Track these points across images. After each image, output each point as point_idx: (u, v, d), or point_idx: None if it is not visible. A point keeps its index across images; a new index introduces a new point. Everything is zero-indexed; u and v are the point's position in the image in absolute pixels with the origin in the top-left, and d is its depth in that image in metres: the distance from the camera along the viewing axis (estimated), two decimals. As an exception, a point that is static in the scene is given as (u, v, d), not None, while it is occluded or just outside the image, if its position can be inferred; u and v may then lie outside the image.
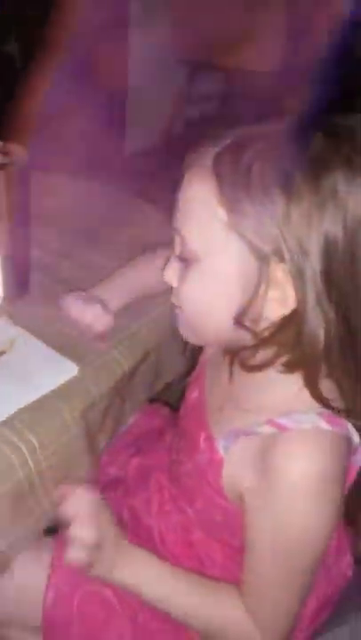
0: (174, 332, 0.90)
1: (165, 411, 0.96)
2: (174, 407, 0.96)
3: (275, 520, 0.59)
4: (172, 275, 0.63)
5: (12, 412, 0.67)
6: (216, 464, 0.65)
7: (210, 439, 0.66)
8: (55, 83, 2.51)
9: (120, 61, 2.62)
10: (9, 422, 0.66)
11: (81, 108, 2.62)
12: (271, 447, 0.58)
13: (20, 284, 0.86)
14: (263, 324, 0.57)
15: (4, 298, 0.85)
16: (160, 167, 2.70)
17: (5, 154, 0.77)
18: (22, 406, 0.68)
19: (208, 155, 0.57)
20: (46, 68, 2.49)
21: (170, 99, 2.85)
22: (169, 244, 0.79)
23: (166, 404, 0.99)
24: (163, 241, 1.00)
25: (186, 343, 0.92)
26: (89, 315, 0.78)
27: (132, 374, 0.82)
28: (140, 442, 0.88)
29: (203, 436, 0.67)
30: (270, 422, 0.59)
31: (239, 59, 2.57)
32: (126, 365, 0.80)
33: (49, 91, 2.54)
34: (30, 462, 0.65)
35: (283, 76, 2.47)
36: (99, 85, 2.61)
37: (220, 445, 0.64)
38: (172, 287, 0.64)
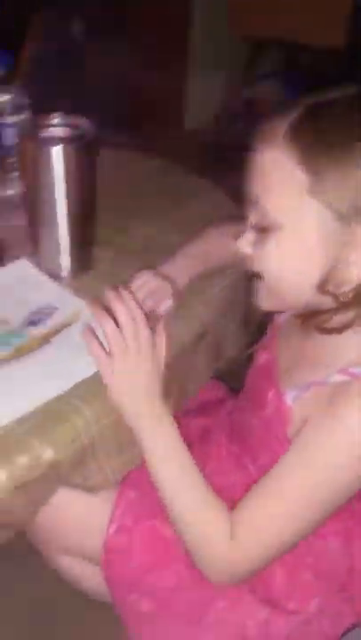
0: (232, 309, 0.91)
1: (223, 385, 0.97)
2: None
3: (319, 452, 0.60)
4: (247, 245, 0.64)
5: (78, 381, 0.69)
6: (284, 414, 0.67)
7: (279, 394, 0.68)
8: (115, 56, 2.51)
9: (179, 36, 2.59)
10: (74, 390, 0.69)
11: (140, 81, 2.61)
12: (339, 393, 0.60)
13: (85, 258, 0.88)
14: (345, 287, 0.58)
15: (70, 272, 0.86)
16: (218, 143, 2.68)
17: (74, 127, 0.78)
18: (87, 377, 0.69)
19: (282, 123, 0.58)
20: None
21: (230, 74, 2.81)
22: (230, 219, 0.79)
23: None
24: (222, 217, 1.01)
25: (246, 320, 0.93)
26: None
27: (192, 351, 0.82)
28: (200, 408, 0.89)
29: (272, 391, 0.69)
30: (343, 371, 0.61)
31: (302, 34, 2.49)
32: (186, 340, 0.81)
33: (108, 64, 2.54)
34: (94, 429, 0.67)
35: (348, 50, 2.40)
36: (158, 60, 2.60)
37: (289, 397, 0.66)
38: (243, 259, 0.65)
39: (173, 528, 0.68)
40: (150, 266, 0.85)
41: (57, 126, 0.79)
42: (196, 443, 0.83)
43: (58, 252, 0.85)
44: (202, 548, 0.66)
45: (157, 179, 1.21)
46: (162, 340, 0.70)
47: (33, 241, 0.87)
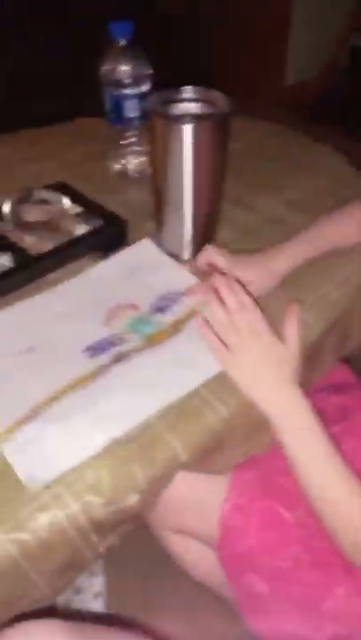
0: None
1: (349, 369, 0.93)
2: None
3: None
4: None
5: (213, 374, 0.66)
6: None
7: None
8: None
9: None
10: (207, 384, 0.67)
11: (239, 33, 2.49)
12: None
13: (208, 240, 0.84)
14: None
15: (192, 254, 0.83)
16: (321, 100, 2.53)
17: (208, 103, 0.73)
18: (221, 370, 0.67)
19: None
20: None
21: (336, 25, 2.61)
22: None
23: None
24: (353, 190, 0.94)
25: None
26: None
27: (322, 338, 0.78)
28: (334, 388, 0.86)
29: None
30: None
31: None
32: (317, 330, 0.76)
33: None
34: (226, 424, 0.65)
35: None
36: (259, 8, 2.45)
37: None
38: None
39: (314, 510, 0.64)
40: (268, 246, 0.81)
41: (189, 101, 0.74)
42: (332, 421, 0.80)
43: (181, 234, 0.82)
44: (345, 530, 0.62)
45: (274, 148, 1.14)
46: (293, 330, 0.66)
47: (156, 220, 0.84)
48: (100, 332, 0.72)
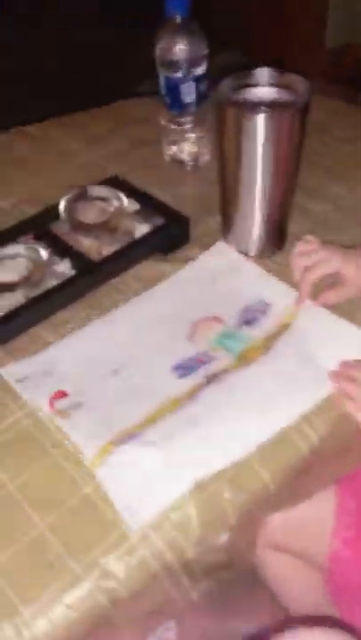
0: None
1: None
2: None
3: None
4: None
5: (321, 398, 0.61)
6: None
7: None
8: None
9: None
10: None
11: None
12: None
13: (279, 238, 0.78)
14: None
15: (258, 252, 0.77)
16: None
17: (288, 88, 0.65)
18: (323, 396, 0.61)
19: None
20: None
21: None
22: None
23: None
24: None
25: None
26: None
27: None
28: None
29: None
30: None
31: None
32: None
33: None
34: (317, 449, 0.60)
35: None
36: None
37: None
38: None
39: None
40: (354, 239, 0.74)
41: (263, 86, 0.67)
42: None
43: (250, 231, 0.75)
44: None
45: (340, 127, 1.05)
46: None
47: (221, 215, 0.78)
48: (186, 350, 0.65)
